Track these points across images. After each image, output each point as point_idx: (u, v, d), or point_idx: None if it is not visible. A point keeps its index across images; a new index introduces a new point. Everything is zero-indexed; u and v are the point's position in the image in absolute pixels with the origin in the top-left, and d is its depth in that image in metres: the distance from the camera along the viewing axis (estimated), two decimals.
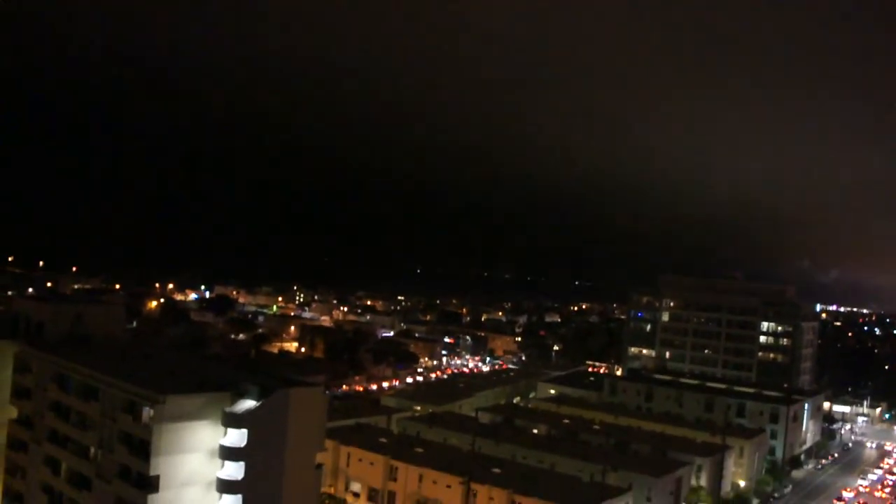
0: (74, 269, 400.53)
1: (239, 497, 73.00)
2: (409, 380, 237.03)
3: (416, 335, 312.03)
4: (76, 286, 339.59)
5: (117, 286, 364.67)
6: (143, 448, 72.32)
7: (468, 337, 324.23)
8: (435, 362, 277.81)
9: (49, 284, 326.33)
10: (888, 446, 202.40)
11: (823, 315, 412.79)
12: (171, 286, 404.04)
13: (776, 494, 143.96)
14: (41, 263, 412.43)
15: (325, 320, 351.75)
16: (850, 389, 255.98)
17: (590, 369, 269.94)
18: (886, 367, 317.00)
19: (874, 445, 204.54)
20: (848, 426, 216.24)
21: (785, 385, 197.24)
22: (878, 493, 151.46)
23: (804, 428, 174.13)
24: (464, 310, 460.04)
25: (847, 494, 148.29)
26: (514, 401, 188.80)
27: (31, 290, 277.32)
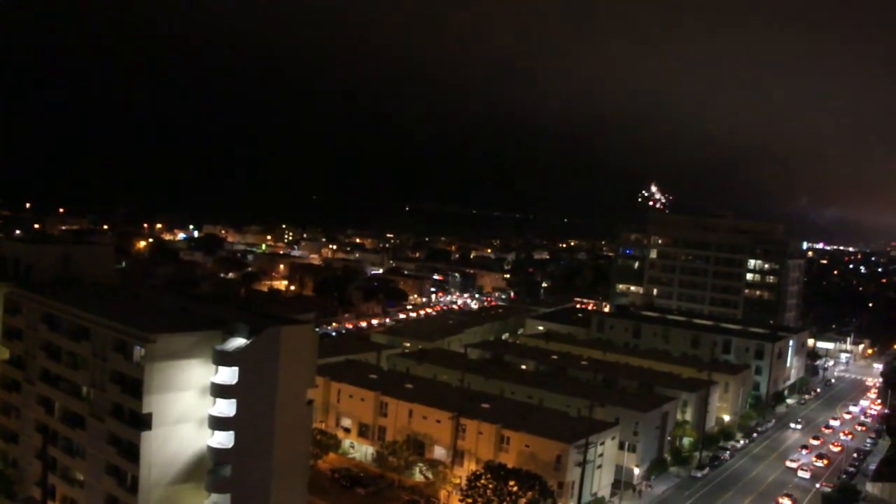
0: (61, 209, 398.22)
1: (231, 433, 73.84)
2: (400, 317, 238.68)
3: (406, 272, 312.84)
4: (63, 227, 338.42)
5: (105, 227, 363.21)
6: (135, 386, 72.74)
7: (457, 274, 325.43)
8: (424, 299, 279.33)
9: (36, 226, 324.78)
10: (868, 381, 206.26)
11: (810, 253, 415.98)
12: (159, 226, 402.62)
13: (759, 428, 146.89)
14: (28, 205, 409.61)
15: (314, 258, 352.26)
16: (834, 326, 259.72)
17: (578, 306, 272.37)
18: (870, 305, 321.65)
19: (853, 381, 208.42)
20: (831, 362, 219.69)
21: (770, 322, 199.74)
22: (858, 428, 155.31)
23: (788, 364, 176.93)
24: (452, 247, 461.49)
25: (834, 423, 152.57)
26: (503, 337, 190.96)
27: (18, 231, 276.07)
